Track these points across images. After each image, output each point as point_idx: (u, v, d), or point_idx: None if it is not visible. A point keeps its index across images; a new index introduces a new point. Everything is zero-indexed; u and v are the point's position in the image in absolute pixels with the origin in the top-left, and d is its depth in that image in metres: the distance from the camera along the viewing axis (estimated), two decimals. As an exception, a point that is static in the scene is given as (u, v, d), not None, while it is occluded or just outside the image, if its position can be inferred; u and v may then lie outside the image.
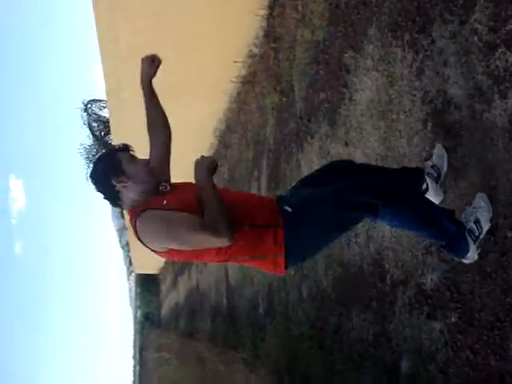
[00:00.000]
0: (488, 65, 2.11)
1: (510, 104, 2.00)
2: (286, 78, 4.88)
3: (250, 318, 5.99)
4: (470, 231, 2.06)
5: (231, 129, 7.18)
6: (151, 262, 16.59)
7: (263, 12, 5.33)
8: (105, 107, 13.41)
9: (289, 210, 2.01)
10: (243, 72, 6.16)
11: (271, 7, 5.25)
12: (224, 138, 7.60)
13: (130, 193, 2.03)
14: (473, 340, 2.15)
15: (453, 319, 2.28)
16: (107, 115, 11.14)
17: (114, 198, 2.07)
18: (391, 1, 2.93)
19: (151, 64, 2.25)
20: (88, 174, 2.10)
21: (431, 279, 2.45)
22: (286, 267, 2.04)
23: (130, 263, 23.18)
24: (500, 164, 2.04)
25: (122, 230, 24.10)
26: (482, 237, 2.07)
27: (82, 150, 15.42)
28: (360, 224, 2.87)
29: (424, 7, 2.60)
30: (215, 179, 1.97)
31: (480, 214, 2.05)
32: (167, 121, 2.26)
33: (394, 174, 2.25)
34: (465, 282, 2.21)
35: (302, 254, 2.12)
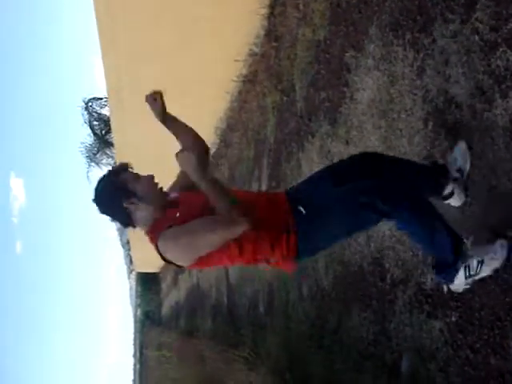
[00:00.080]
0: (489, 64, 2.11)
1: (511, 103, 2.00)
2: (286, 77, 4.88)
3: (250, 317, 6.00)
4: (468, 267, 1.97)
5: (232, 128, 7.18)
6: (152, 261, 16.58)
7: (264, 11, 5.33)
8: (105, 105, 13.42)
9: (302, 211, 1.97)
10: (244, 71, 6.16)
11: (272, 6, 5.25)
12: (225, 137, 7.60)
13: (143, 211, 1.99)
14: (473, 339, 2.15)
15: (453, 318, 2.28)
16: (108, 113, 11.15)
17: (126, 220, 2.03)
18: (392, 0, 2.93)
19: (154, 102, 2.18)
20: (94, 200, 2.02)
21: (431, 278, 2.45)
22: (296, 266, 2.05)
23: (131, 262, 23.17)
24: (501, 163, 2.04)
25: (122, 229, 24.10)
26: (476, 278, 1.98)
27: (83, 149, 15.45)
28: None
29: (425, 6, 2.59)
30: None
31: (490, 259, 1.95)
32: (197, 135, 2.23)
33: (418, 178, 2.18)
34: (465, 281, 2.21)
35: (313, 253, 2.14)
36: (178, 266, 2.01)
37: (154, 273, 21.56)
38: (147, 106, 2.21)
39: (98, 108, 14.96)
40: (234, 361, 5.45)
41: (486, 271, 1.96)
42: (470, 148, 2.21)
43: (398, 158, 2.46)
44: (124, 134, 7.45)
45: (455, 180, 2.21)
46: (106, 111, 14.11)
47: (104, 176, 2.04)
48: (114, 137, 8.55)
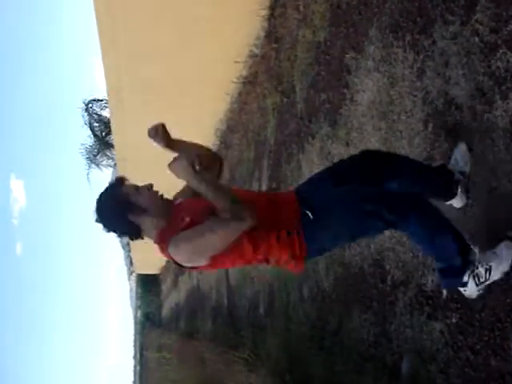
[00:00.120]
0: (489, 65, 2.11)
1: (511, 105, 2.00)
2: (287, 79, 4.88)
3: (250, 319, 5.99)
4: (477, 276, 1.95)
5: (232, 129, 7.19)
6: (152, 262, 16.59)
7: (264, 12, 5.34)
8: (106, 107, 13.43)
9: (310, 215, 1.97)
10: (244, 72, 6.17)
11: (272, 7, 5.25)
12: (225, 139, 7.60)
13: (148, 222, 1.99)
14: (473, 340, 2.15)
15: (453, 320, 2.28)
16: (108, 115, 11.16)
17: (135, 233, 2.02)
18: (392, 1, 2.93)
19: (156, 136, 2.10)
20: (98, 219, 1.99)
21: (432, 280, 2.45)
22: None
23: (131, 263, 23.16)
24: (501, 165, 2.04)
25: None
26: (488, 283, 1.96)
27: (83, 150, 15.46)
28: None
29: (425, 8, 2.60)
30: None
31: (497, 265, 1.93)
32: (208, 149, 2.23)
33: (419, 178, 2.18)
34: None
35: (320, 253, 2.15)
36: (192, 268, 2.01)
37: (154, 274, 21.56)
38: (151, 142, 2.12)
39: (98, 109, 15.01)
40: (234, 362, 5.45)
41: (495, 275, 1.95)
42: (470, 149, 2.21)
43: (399, 157, 2.44)
44: (124, 136, 7.45)
45: (457, 182, 2.21)
46: (106, 113, 14.14)
47: (102, 193, 2.02)
48: (114, 138, 8.54)
